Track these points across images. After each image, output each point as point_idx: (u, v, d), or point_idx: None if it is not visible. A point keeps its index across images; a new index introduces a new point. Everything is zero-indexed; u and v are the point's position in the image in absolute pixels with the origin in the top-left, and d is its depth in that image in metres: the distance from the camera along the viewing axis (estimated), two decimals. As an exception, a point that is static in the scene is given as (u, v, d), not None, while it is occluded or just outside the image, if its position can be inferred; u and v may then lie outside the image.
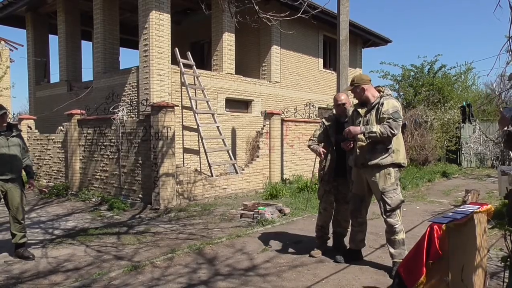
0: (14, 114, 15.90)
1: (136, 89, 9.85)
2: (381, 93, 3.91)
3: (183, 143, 9.97)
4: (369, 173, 3.86)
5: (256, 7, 4.80)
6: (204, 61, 13.94)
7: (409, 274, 2.70)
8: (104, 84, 10.90)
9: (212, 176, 8.86)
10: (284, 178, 10.37)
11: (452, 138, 15.54)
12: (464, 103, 16.70)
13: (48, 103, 12.96)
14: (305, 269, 4.06)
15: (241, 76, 11.70)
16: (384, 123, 3.65)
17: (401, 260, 3.86)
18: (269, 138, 10.13)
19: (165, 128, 7.51)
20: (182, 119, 9.94)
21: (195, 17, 13.94)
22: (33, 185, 4.74)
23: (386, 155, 3.73)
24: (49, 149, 10.62)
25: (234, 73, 11.48)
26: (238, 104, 11.80)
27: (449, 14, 66.36)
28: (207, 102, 10.09)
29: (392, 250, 3.89)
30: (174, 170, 7.69)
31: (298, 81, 13.88)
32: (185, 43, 13.81)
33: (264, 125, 10.25)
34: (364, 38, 16.69)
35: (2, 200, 4.43)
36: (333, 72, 14.50)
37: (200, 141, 9.63)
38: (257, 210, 6.52)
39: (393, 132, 3.62)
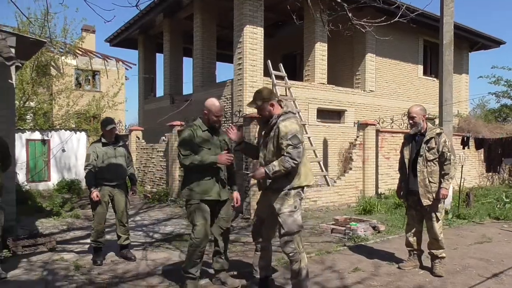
0: (126, 125, 17.71)
1: (230, 101, 10.25)
2: (282, 109, 3.50)
3: (274, 153, 10.04)
4: (271, 194, 3.52)
5: (349, 15, 4.64)
6: (296, 72, 13.99)
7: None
8: (201, 97, 11.56)
9: (302, 187, 8.73)
10: (379, 193, 9.80)
11: None
12: None
13: (154, 115, 14.19)
14: (401, 294, 3.72)
15: (334, 86, 11.46)
16: (285, 154, 3.31)
17: None
18: (362, 149, 9.69)
19: (256, 138, 7.62)
20: (274, 130, 10.03)
21: (287, 29, 14.11)
22: (135, 191, 5.15)
23: (287, 180, 3.41)
24: (153, 158, 11.56)
25: (326, 82, 11.29)
26: (330, 115, 11.54)
27: None
28: (298, 112, 10.04)
29: (290, 279, 3.60)
30: (265, 180, 7.74)
31: (395, 90, 13.13)
32: (277, 55, 14.04)
33: (357, 136, 9.85)
34: (471, 41, 15.20)
35: (110, 204, 4.89)
36: (435, 79, 13.41)
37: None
38: (349, 225, 6.22)
39: (295, 161, 3.31)
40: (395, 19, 4.69)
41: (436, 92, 8.76)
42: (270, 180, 3.47)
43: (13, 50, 5.21)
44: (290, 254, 3.45)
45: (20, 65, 5.40)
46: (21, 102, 13.36)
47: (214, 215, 3.89)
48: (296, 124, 3.42)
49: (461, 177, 8.37)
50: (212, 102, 3.76)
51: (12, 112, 5.84)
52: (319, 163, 9.71)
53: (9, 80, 5.60)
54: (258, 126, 3.86)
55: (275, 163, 3.35)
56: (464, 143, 11.12)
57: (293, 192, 3.45)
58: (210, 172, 3.73)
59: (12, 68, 5.49)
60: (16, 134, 7.80)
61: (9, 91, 5.70)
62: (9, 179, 5.36)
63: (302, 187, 3.52)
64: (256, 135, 7.56)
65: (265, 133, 3.57)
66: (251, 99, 3.63)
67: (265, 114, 3.54)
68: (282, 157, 3.33)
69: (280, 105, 3.56)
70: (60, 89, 15.21)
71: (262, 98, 3.49)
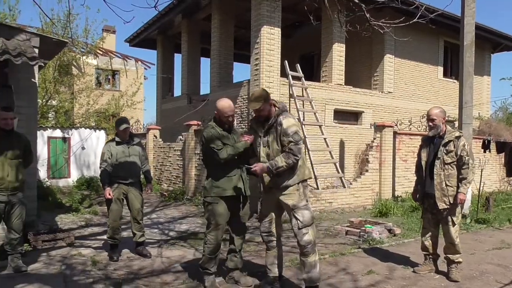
0: (144, 124, 17.98)
1: (247, 101, 10.28)
2: (277, 108, 3.64)
3: (289, 154, 10.03)
4: (278, 193, 3.63)
5: (367, 15, 4.61)
6: (313, 72, 13.93)
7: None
8: (218, 96, 11.52)
9: (318, 188, 8.71)
10: (396, 195, 9.68)
11: None
12: None
13: (171, 115, 14.35)
14: (415, 298, 3.68)
15: (351, 87, 11.37)
16: (287, 150, 3.48)
17: (313, 285, 3.60)
18: (379, 151, 9.59)
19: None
20: (290, 131, 10.03)
21: (304, 30, 14.08)
22: (150, 189, 5.24)
23: (293, 175, 3.57)
24: (170, 157, 11.70)
25: (343, 83, 11.22)
26: (347, 116, 11.46)
27: None
28: (314, 113, 10.01)
29: (304, 274, 3.64)
30: (280, 181, 7.75)
31: (414, 91, 12.94)
32: (294, 56, 14.01)
33: (374, 138, 9.75)
34: (493, 41, 14.87)
35: (124, 201, 4.98)
36: (455, 81, 13.16)
37: (306, 152, 9.58)
38: (364, 228, 6.17)
39: (297, 158, 3.49)
40: (414, 20, 4.63)
41: (457, 94, 8.61)
42: (272, 176, 3.58)
43: (36, 50, 5.36)
44: (308, 246, 3.55)
45: (43, 64, 5.55)
46: (44, 100, 13.71)
47: (235, 212, 3.92)
48: (296, 122, 3.61)
49: (480, 181, 8.20)
50: (222, 102, 3.78)
51: (34, 110, 6.00)
52: (335, 164, 9.65)
53: (33, 79, 5.76)
54: (250, 128, 3.91)
55: (277, 159, 3.49)
56: (485, 147, 10.89)
57: (301, 186, 3.62)
58: (232, 168, 3.79)
59: (36, 68, 5.65)
60: (38, 132, 8.02)
61: (32, 90, 5.86)
62: (31, 175, 5.51)
63: (306, 180, 3.70)
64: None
65: (265, 131, 3.66)
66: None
67: (264, 114, 3.63)
68: (284, 153, 3.49)
69: (275, 105, 3.69)
70: (81, 88, 15.56)
71: (263, 98, 3.58)
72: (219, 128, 3.82)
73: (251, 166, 3.58)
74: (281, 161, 3.45)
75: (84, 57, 14.85)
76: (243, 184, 3.86)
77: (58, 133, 12.47)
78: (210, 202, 3.81)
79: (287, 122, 3.52)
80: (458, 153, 4.17)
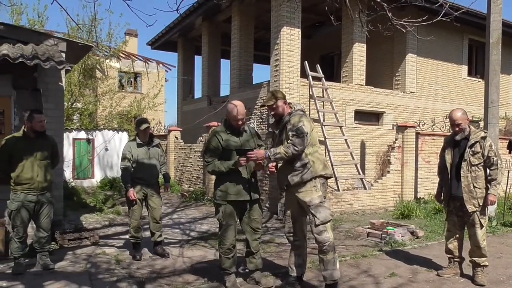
0: (165, 126, 18.24)
1: (266, 102, 10.29)
2: (291, 109, 3.79)
3: (310, 155, 9.98)
4: (295, 191, 3.67)
5: (389, 14, 4.55)
6: (333, 73, 13.84)
7: None
8: (238, 98, 11.64)
9: (338, 190, 8.64)
10: (418, 197, 9.51)
11: None
12: None
13: (192, 116, 14.49)
14: (439, 302, 3.61)
15: (372, 87, 11.24)
16: (288, 141, 3.58)
17: (333, 282, 3.57)
18: (401, 152, 9.44)
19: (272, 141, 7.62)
20: (310, 132, 9.98)
21: (325, 30, 13.99)
22: (167, 188, 5.28)
23: (306, 170, 3.59)
24: (191, 157, 11.83)
25: (364, 84, 11.09)
26: (368, 116, 11.33)
27: None
28: (335, 114, 9.94)
29: (323, 272, 3.63)
30: (300, 182, 7.73)
31: (436, 91, 12.68)
32: (315, 56, 13.95)
33: (396, 139, 9.61)
34: (522, 39, 14.38)
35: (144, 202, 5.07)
36: (480, 80, 12.82)
37: (327, 154, 9.51)
38: (385, 230, 6.09)
39: (296, 148, 3.52)
40: (437, 18, 4.55)
41: (481, 93, 8.40)
42: (273, 167, 3.74)
43: (63, 55, 5.53)
44: (326, 243, 3.55)
45: (69, 68, 5.69)
46: (69, 103, 14.10)
47: (245, 215, 3.95)
48: (305, 119, 3.66)
49: (507, 183, 7.97)
50: (231, 106, 3.78)
51: (61, 113, 6.18)
52: (356, 165, 9.56)
53: (60, 83, 5.93)
54: (272, 133, 4.02)
55: (277, 147, 3.59)
56: (511, 147, 10.55)
57: (318, 183, 3.62)
58: (237, 174, 3.79)
59: (63, 72, 5.81)
60: (64, 134, 8.26)
61: (59, 93, 6.04)
62: (58, 175, 5.68)
63: (322, 176, 3.68)
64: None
65: (279, 131, 3.79)
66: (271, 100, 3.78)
67: (279, 111, 3.76)
68: (286, 143, 3.58)
69: (290, 106, 3.81)
70: (104, 91, 15.92)
71: (277, 96, 3.75)
72: (228, 131, 3.82)
73: (249, 149, 3.67)
74: (279, 148, 3.55)
75: (108, 61, 15.19)
76: (249, 189, 3.84)
77: (82, 134, 12.80)
78: (219, 204, 3.86)
79: (295, 118, 3.65)
80: (485, 153, 4.07)
